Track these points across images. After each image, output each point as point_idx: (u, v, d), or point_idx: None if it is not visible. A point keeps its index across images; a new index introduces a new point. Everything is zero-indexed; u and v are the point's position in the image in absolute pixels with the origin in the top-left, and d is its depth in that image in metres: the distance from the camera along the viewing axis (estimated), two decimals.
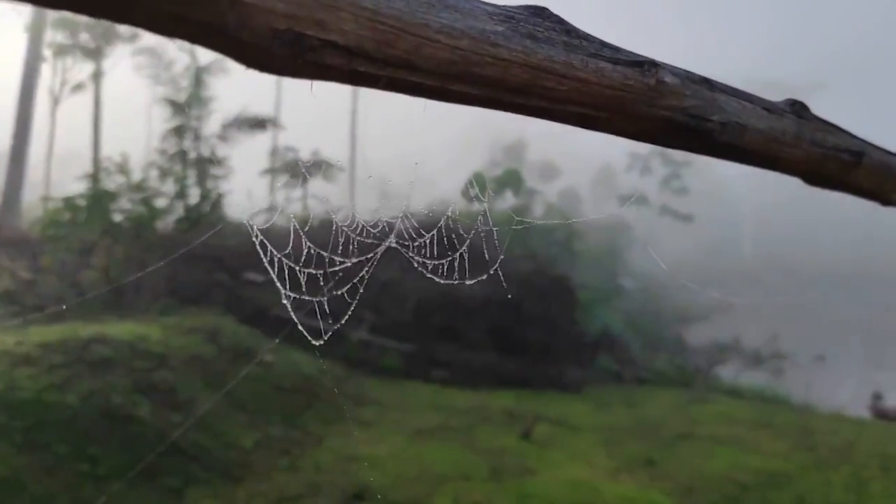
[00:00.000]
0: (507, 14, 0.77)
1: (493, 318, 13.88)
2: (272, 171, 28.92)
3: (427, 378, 12.90)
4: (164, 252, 11.68)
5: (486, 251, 1.96)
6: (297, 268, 1.48)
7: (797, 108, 1.06)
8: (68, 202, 12.51)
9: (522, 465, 8.37)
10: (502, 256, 2.22)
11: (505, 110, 0.81)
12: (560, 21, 0.82)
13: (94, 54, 21.36)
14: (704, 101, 0.92)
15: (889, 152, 1.22)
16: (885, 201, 1.22)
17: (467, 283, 1.84)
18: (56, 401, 7.21)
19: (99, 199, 11.84)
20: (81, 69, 23.30)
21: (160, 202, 12.33)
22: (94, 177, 12.78)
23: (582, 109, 0.82)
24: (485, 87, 0.76)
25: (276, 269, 1.42)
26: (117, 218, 11.99)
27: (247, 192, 23.66)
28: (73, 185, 13.33)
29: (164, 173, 12.67)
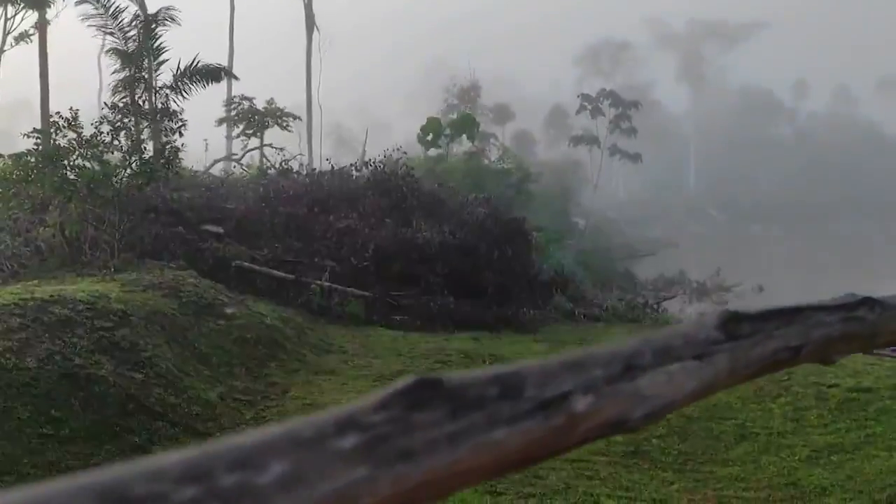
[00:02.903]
0: (370, 440, 0.62)
1: (451, 263, 14.07)
2: (228, 121, 28.15)
3: (388, 324, 13.10)
4: (121, 207, 11.42)
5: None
6: None
7: (730, 328, 0.96)
8: (18, 160, 12.16)
9: None
10: None
11: None
12: (449, 396, 0.67)
13: (37, 3, 20.25)
14: (625, 400, 0.82)
15: (827, 308, 1.16)
16: (827, 363, 1.25)
17: None
18: (14, 364, 7.12)
19: (50, 157, 11.43)
20: (25, 18, 22.20)
21: (114, 157, 11.96)
22: (44, 132, 12.29)
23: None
24: None
25: None
26: (70, 175, 11.62)
27: (203, 142, 23.08)
28: (22, 142, 12.81)
29: (115, 128, 12.26)
